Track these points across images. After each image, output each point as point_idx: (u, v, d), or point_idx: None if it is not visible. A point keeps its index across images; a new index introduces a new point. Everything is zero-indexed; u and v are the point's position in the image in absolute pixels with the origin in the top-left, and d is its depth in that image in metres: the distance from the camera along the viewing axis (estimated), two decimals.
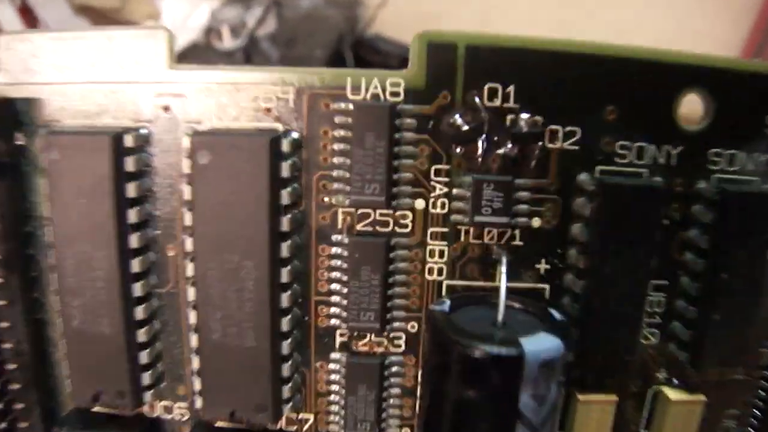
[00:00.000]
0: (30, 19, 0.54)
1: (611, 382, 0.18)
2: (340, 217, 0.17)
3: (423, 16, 0.64)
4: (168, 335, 0.17)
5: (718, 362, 0.18)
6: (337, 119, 0.16)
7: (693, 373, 0.18)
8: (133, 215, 0.16)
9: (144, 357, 0.17)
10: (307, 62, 0.52)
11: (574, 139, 0.17)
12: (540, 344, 0.14)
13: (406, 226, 0.17)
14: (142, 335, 0.17)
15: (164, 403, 0.18)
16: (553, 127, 0.17)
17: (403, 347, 0.18)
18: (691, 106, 0.18)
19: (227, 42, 0.52)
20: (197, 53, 0.54)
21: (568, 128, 0.17)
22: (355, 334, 0.17)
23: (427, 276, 0.17)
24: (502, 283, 0.16)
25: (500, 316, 0.16)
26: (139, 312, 0.17)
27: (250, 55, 0.52)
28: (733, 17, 0.59)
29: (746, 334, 0.18)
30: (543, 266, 0.17)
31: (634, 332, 0.17)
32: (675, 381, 0.18)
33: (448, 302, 0.16)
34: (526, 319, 0.16)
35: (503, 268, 0.16)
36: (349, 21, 0.59)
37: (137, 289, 0.17)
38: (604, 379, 0.18)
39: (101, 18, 0.62)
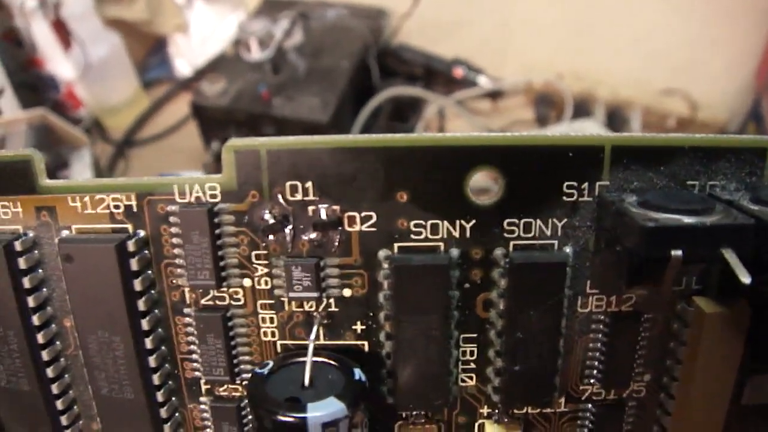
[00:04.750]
0: (63, 33, 0.61)
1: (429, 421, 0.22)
2: (187, 295, 0.22)
3: (447, 26, 0.66)
4: (77, 386, 0.23)
5: (528, 403, 0.22)
6: (171, 219, 0.21)
7: (507, 411, 0.22)
8: (31, 301, 0.22)
9: (59, 404, 0.23)
10: (334, 72, 0.56)
11: (370, 222, 0.20)
12: (324, 409, 0.19)
13: (239, 300, 0.21)
14: (55, 388, 0.23)
15: None
16: (351, 213, 0.20)
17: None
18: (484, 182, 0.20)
19: (255, 54, 0.56)
20: (226, 64, 0.59)
21: (364, 213, 0.20)
22: (214, 383, 0.23)
23: (263, 338, 0.22)
24: (309, 349, 0.20)
25: (306, 380, 0.20)
26: (50, 371, 0.23)
27: (277, 66, 0.55)
28: (751, 24, 0.58)
29: (546, 379, 0.21)
30: (359, 327, 0.21)
31: (439, 386, 0.21)
32: (495, 417, 0.22)
33: (270, 364, 0.21)
34: (333, 378, 0.20)
35: (312, 336, 0.21)
36: (374, 32, 0.62)
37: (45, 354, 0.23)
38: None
39: (131, 30, 0.69)
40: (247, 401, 0.23)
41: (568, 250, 0.20)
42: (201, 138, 0.57)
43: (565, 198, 0.20)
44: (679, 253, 0.17)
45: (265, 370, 0.21)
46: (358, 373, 0.20)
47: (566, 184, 0.20)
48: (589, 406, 0.23)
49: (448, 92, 0.62)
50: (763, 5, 0.57)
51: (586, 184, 0.20)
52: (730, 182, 0.20)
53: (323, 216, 0.20)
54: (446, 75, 0.63)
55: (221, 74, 0.56)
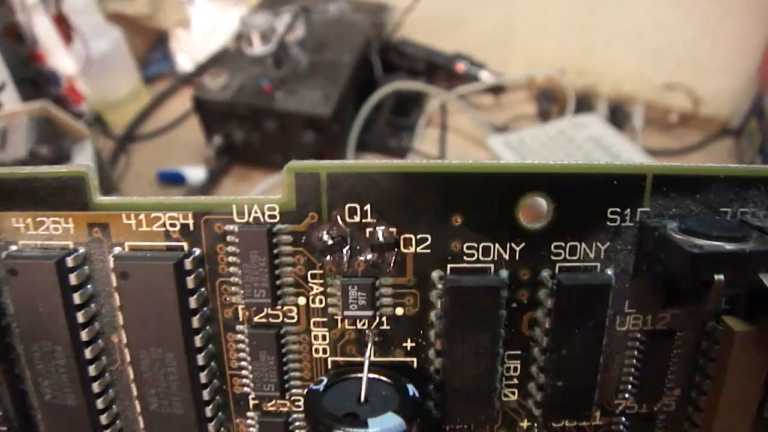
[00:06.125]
0: (65, 28, 0.61)
1: None
2: (240, 312, 0.22)
3: (449, 21, 0.67)
4: (121, 401, 0.24)
5: (566, 417, 0.23)
6: (228, 238, 0.21)
7: (546, 425, 0.23)
8: (80, 317, 0.22)
9: (103, 419, 0.23)
10: (336, 67, 0.57)
11: (425, 244, 0.21)
12: (384, 424, 0.20)
13: (293, 317, 0.22)
14: (100, 403, 0.23)
15: None
16: (407, 235, 0.21)
17: (302, 407, 0.23)
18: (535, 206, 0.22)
19: (257, 48, 0.56)
20: (228, 59, 0.60)
21: (420, 236, 0.21)
22: (263, 398, 0.23)
23: (314, 354, 0.23)
24: (365, 366, 0.21)
25: (362, 396, 0.21)
26: (96, 386, 0.23)
27: (280, 60, 0.56)
28: (754, 19, 0.60)
29: (586, 394, 0.22)
30: (409, 344, 0.22)
31: (486, 401, 0.22)
32: (534, 430, 0.23)
33: (324, 380, 0.22)
34: (387, 394, 0.21)
35: (367, 353, 0.22)
36: (376, 26, 0.63)
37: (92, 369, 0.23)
38: None
39: (133, 25, 0.69)
40: (296, 416, 0.23)
41: (610, 272, 0.22)
42: (203, 132, 0.57)
43: (608, 223, 0.21)
44: (722, 277, 0.19)
45: (321, 387, 0.21)
46: (411, 389, 0.21)
47: (610, 210, 0.21)
48: (623, 419, 0.24)
49: (450, 87, 0.62)
50: (766, 1, 0.58)
51: (628, 210, 0.21)
52: (759, 209, 0.22)
53: (380, 238, 0.21)
54: (448, 70, 0.63)
55: (223, 68, 0.56)
